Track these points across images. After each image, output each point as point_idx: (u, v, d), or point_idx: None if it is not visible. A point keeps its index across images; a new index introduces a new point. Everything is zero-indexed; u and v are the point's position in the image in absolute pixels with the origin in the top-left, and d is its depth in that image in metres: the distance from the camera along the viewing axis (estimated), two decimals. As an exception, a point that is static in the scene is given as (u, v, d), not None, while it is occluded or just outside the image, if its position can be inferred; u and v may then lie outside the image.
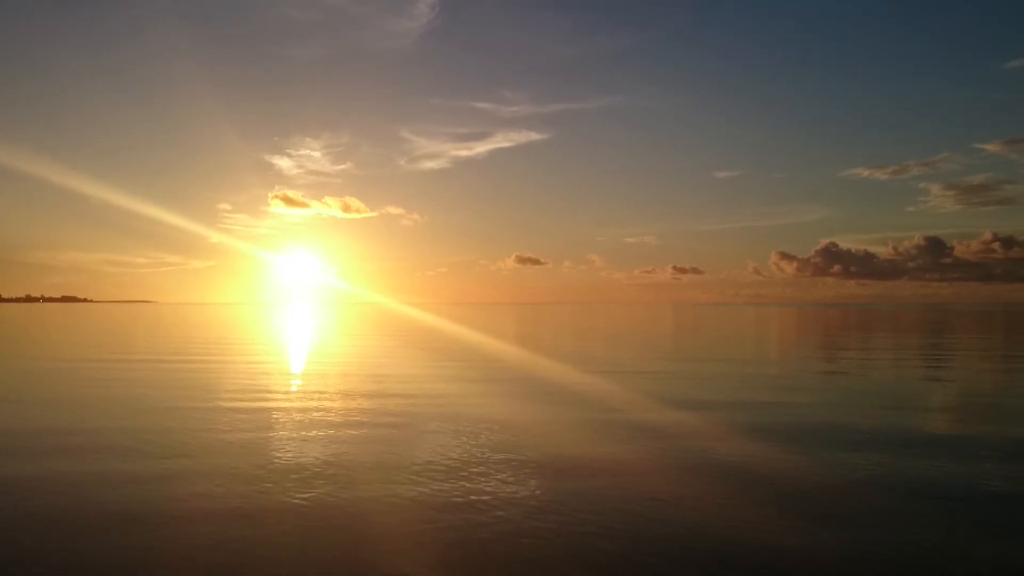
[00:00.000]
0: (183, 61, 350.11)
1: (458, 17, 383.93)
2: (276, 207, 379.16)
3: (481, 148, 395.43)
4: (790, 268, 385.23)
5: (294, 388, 16.12)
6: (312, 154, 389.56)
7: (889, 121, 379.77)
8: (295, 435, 10.43)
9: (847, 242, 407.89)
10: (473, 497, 7.19)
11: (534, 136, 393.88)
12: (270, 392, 15.37)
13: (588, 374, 19.42)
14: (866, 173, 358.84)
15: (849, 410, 13.06)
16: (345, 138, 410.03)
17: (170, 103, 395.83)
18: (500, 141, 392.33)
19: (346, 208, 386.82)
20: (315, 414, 12.36)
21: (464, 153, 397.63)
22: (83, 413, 12.49)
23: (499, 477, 7.97)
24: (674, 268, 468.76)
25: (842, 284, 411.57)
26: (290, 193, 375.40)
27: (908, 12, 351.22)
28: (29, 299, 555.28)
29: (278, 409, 12.99)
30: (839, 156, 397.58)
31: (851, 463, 8.75)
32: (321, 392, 15.36)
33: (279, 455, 9.09)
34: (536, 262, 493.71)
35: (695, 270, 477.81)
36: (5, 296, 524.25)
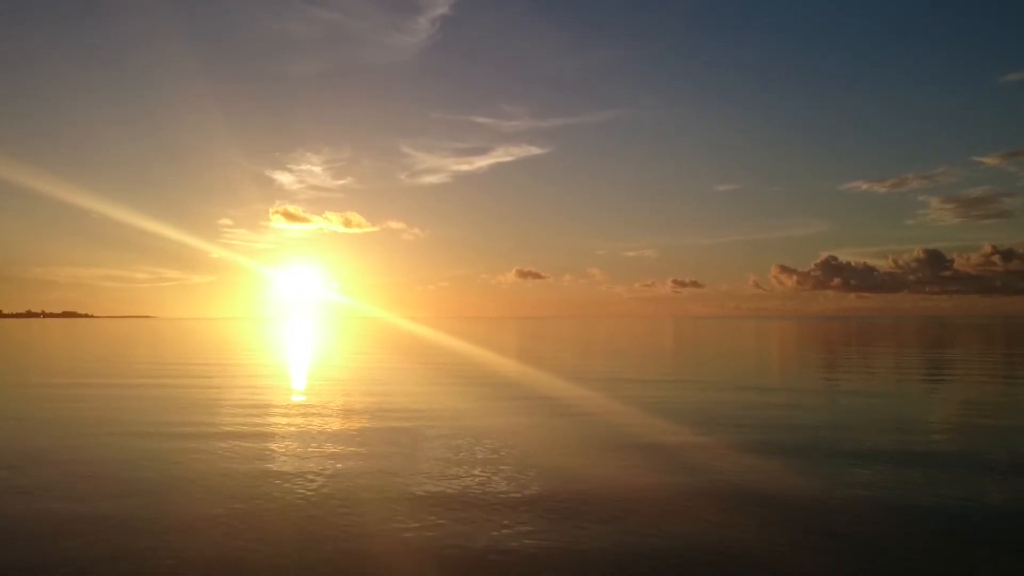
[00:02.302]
0: (183, 76, 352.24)
1: (458, 32, 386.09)
2: (277, 222, 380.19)
3: (481, 162, 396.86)
4: (790, 281, 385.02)
5: (294, 417, 15.44)
6: (313, 169, 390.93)
7: (888, 134, 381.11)
8: (291, 486, 9.81)
9: (847, 255, 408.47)
10: (480, 544, 6.59)
11: (534, 150, 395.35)
12: (268, 421, 14.69)
13: (596, 397, 18.77)
14: (865, 186, 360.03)
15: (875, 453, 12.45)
16: (346, 153, 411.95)
17: (170, 118, 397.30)
18: (500, 155, 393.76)
19: (347, 223, 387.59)
20: (312, 459, 11.75)
21: (465, 167, 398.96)
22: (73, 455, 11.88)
23: (509, 526, 7.35)
24: (674, 281, 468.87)
25: (842, 297, 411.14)
26: (291, 208, 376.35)
27: (906, 26, 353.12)
28: (30, 314, 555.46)
29: (274, 450, 12.36)
30: (838, 169, 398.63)
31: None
32: (322, 431, 14.73)
33: (275, 508, 8.48)
34: (537, 276, 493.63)
35: (695, 283, 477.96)
36: (5, 312, 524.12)
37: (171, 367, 32.23)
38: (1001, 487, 9.49)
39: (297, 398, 19.73)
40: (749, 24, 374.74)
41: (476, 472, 10.29)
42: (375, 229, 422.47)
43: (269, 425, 14.81)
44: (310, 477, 10.05)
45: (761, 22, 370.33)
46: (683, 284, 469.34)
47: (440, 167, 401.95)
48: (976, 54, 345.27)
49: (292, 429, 14.29)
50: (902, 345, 53.31)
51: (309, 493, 9.16)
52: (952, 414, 16.90)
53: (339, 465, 10.84)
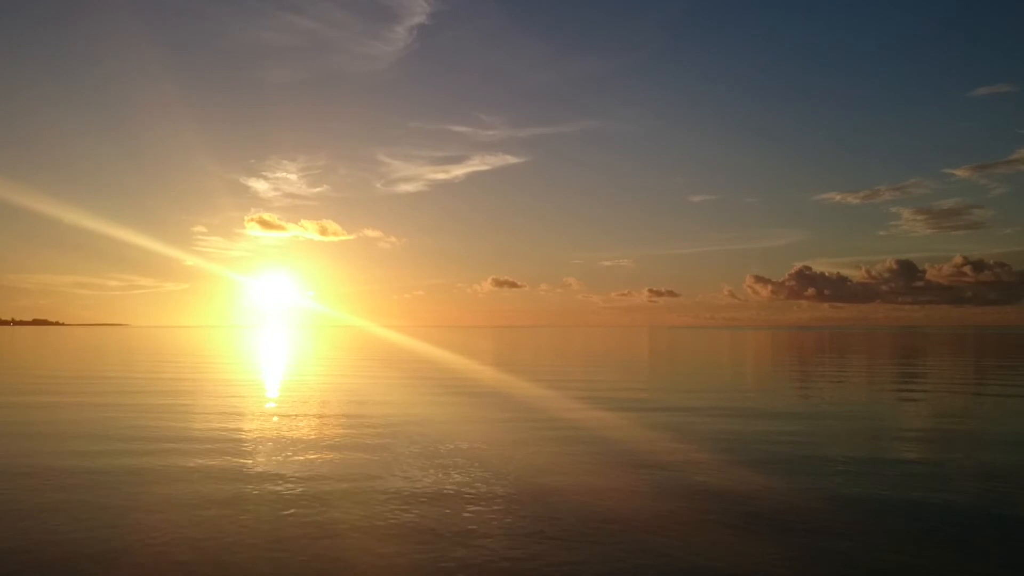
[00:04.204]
0: (157, 84, 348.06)
1: (436, 41, 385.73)
2: (252, 230, 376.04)
3: (458, 171, 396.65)
4: (765, 291, 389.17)
5: (266, 435, 13.89)
6: (288, 176, 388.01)
7: (860, 146, 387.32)
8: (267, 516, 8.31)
9: (820, 265, 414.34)
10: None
11: (511, 159, 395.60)
12: (239, 446, 13.15)
13: (580, 414, 17.40)
14: (838, 197, 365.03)
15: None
16: (322, 161, 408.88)
17: (144, 126, 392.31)
18: (477, 164, 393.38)
19: (323, 231, 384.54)
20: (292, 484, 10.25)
21: (441, 176, 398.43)
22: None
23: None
24: (650, 291, 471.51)
25: (816, 307, 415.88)
26: (266, 216, 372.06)
27: (878, 41, 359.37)
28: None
29: (241, 493, 10.84)
30: (812, 180, 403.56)
31: None
32: (295, 468, 13.20)
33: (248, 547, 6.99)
34: (513, 285, 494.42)
35: (671, 293, 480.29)
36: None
37: (137, 381, 30.40)
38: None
39: (271, 422, 18.10)
40: (725, 38, 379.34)
41: (470, 513, 8.84)
42: (351, 237, 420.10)
43: (238, 463, 13.22)
44: (280, 544, 8.55)
45: (737, 36, 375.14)
46: (659, 294, 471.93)
47: (417, 175, 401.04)
48: (947, 68, 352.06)
49: (263, 468, 12.73)
50: (881, 357, 52.74)
51: (281, 554, 7.66)
52: (951, 432, 15.80)
53: (317, 517, 9.34)
